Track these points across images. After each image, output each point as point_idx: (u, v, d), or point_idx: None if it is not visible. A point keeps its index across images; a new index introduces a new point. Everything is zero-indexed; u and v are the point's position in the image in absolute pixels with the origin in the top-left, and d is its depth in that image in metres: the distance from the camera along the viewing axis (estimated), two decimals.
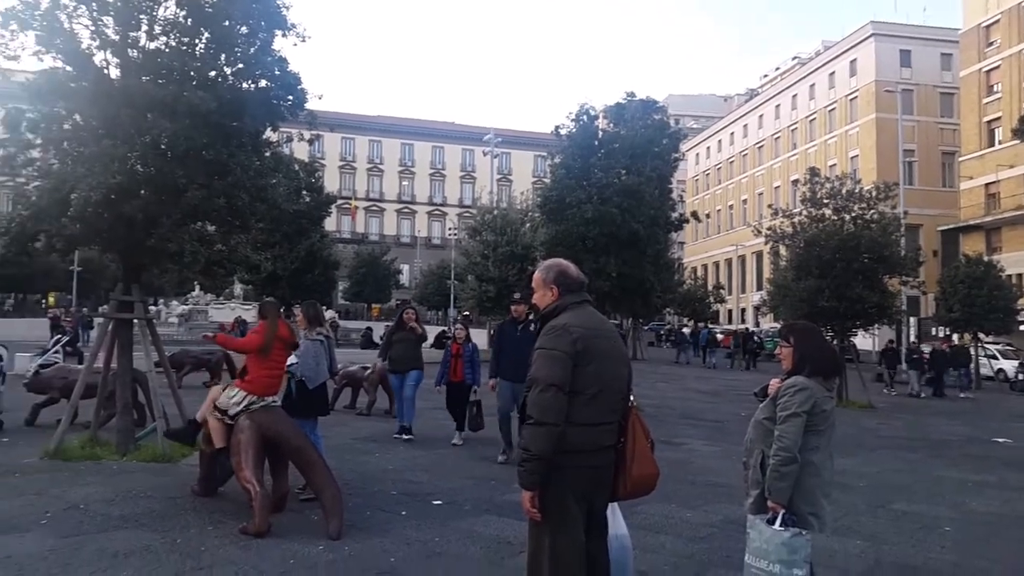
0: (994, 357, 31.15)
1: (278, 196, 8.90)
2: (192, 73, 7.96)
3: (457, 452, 9.41)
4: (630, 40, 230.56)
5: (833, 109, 56.33)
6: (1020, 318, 28.60)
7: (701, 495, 7.51)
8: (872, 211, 18.47)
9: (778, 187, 62.07)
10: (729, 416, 14.61)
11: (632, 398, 3.50)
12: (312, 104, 9.01)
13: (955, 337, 30.94)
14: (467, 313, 46.24)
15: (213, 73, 8.16)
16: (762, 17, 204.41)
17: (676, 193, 36.31)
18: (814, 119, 58.98)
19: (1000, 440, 13.40)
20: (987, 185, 43.40)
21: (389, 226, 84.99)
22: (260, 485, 5.66)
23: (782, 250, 20.67)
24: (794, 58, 78.95)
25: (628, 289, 29.27)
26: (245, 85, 8.43)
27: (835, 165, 50.19)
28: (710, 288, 56.17)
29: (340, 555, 5.19)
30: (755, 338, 36.51)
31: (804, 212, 19.22)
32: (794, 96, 62.37)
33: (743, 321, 62.17)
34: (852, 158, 52.33)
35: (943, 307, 28.21)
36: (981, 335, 27.74)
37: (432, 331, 10.60)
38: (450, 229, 71.48)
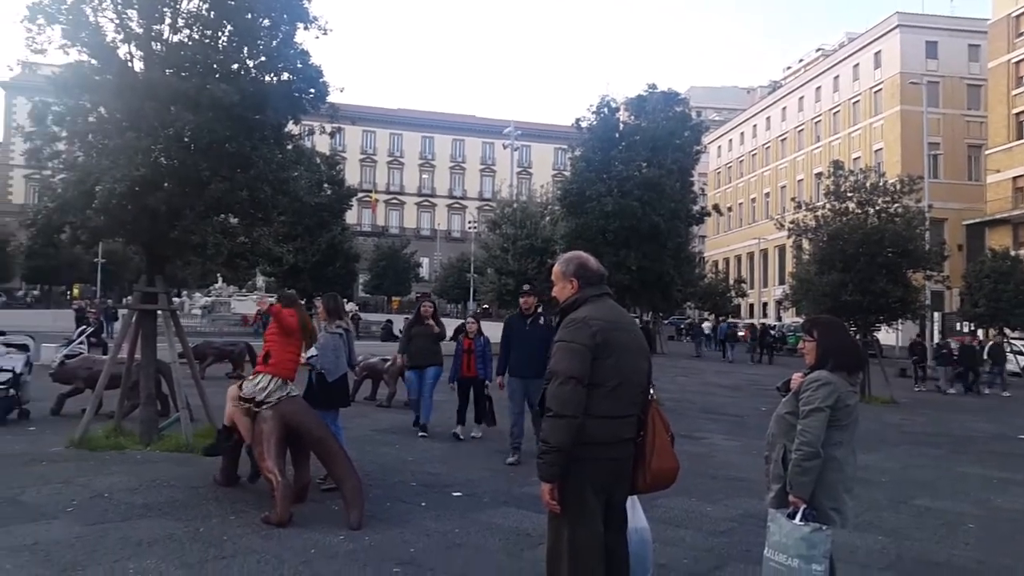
0: (1021, 353, 30.72)
1: (300, 189, 8.96)
2: (215, 66, 8.02)
3: (475, 444, 9.41)
4: (652, 32, 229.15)
5: (857, 101, 55.66)
6: None
7: (721, 489, 7.48)
8: (896, 205, 18.24)
9: (801, 180, 61.48)
10: (750, 411, 14.53)
11: (652, 392, 3.49)
12: (334, 97, 9.05)
13: (980, 333, 30.54)
14: (486, 306, 46.32)
15: (236, 66, 8.22)
16: (785, 8, 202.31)
17: (697, 186, 35.98)
18: (838, 112, 58.32)
19: None
20: (1015, 178, 42.70)
21: (409, 219, 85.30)
22: (282, 475, 5.71)
23: (805, 244, 20.49)
24: (818, 50, 78.02)
25: (648, 283, 29.14)
26: (267, 78, 8.48)
27: (859, 158, 49.63)
28: (732, 282, 55.79)
29: (361, 545, 5.22)
30: (771, 332, 36.28)
31: (827, 205, 19.02)
32: (818, 88, 61.69)
33: (765, 315, 61.75)
34: (876, 151, 51.70)
35: (968, 302, 27.83)
36: (1007, 331, 27.31)
37: (451, 325, 10.37)
38: (470, 222, 71.68)
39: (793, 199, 25.29)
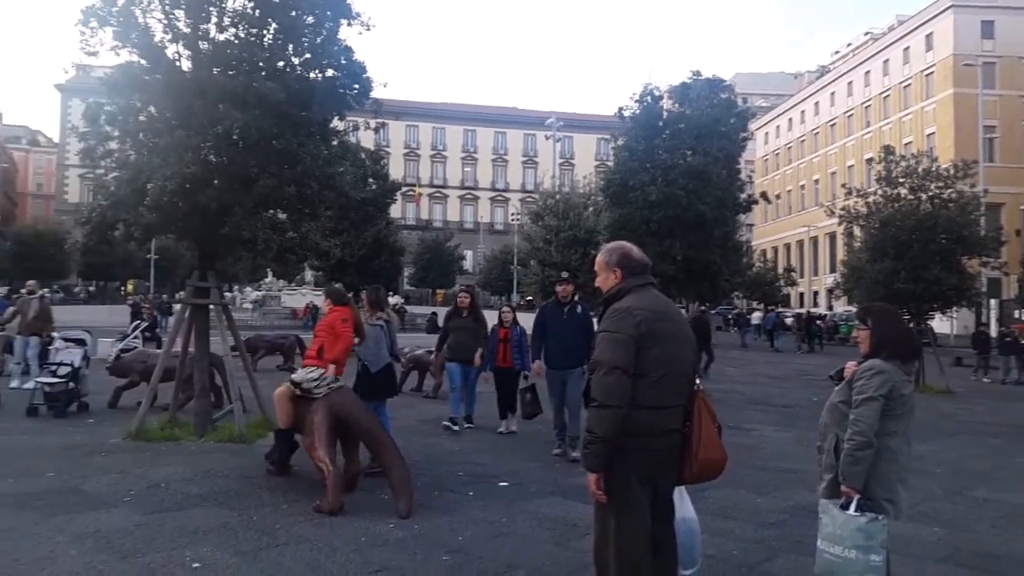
0: None
1: (346, 184, 9.05)
2: (261, 64, 8.16)
3: (521, 435, 9.37)
4: (695, 18, 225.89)
5: (908, 85, 54.12)
6: None
7: (771, 481, 7.38)
8: (950, 190, 17.72)
9: (851, 166, 60.06)
10: (800, 401, 14.30)
11: (698, 382, 3.46)
12: (377, 92, 9.14)
13: None
14: (530, 298, 46.31)
15: (281, 63, 8.35)
16: None
17: (744, 174, 35.43)
18: (888, 96, 56.79)
19: None
20: None
21: (452, 212, 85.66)
22: (332, 465, 5.81)
23: (856, 231, 20.04)
24: (866, 33, 75.99)
25: (694, 272, 28.81)
26: (312, 75, 8.59)
27: (910, 143, 48.26)
28: (781, 271, 54.84)
29: (410, 533, 5.29)
30: (818, 321, 35.72)
31: (879, 192, 18.57)
32: (867, 73, 60.12)
33: (815, 305, 60.59)
34: (928, 135, 50.23)
35: None
36: None
37: (492, 317, 9.96)
38: (513, 214, 71.65)
39: (843, 185, 24.74)
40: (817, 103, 68.28)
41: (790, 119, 73.74)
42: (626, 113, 30.76)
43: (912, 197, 17.79)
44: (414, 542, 5.10)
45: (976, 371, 22.84)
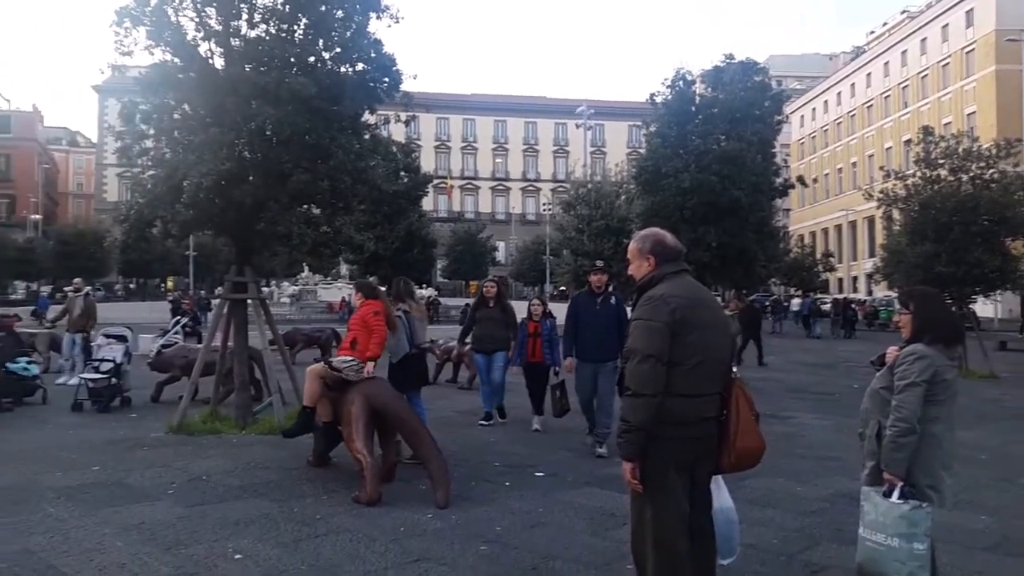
0: None
1: (378, 177, 9.10)
2: (292, 59, 8.22)
3: (556, 426, 9.11)
4: (727, 1, 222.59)
5: (947, 64, 52.81)
6: None
7: (811, 469, 7.28)
8: (992, 170, 17.26)
9: (889, 148, 58.84)
10: (840, 389, 14.08)
11: (736, 369, 3.42)
12: (407, 85, 9.17)
13: None
14: (563, 288, 46.20)
15: (312, 58, 8.41)
16: None
17: (780, 158, 34.82)
18: (926, 75, 55.48)
19: None
20: None
21: (484, 203, 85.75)
22: (370, 455, 5.86)
23: (895, 214, 19.63)
24: (903, 12, 74.13)
25: (729, 259, 28.44)
26: (343, 69, 8.64)
27: (950, 123, 47.08)
28: (819, 256, 54.01)
29: (448, 523, 5.32)
30: (852, 307, 35.28)
31: (918, 173, 18.15)
32: (904, 52, 58.78)
33: (855, 290, 59.59)
34: (969, 115, 48.98)
35: None
36: None
37: (521, 308, 9.72)
38: (544, 204, 71.50)
39: (881, 168, 24.21)
40: (853, 84, 66.96)
41: (826, 101, 72.43)
42: (658, 99, 30.39)
43: (952, 178, 17.36)
44: (452, 532, 5.13)
45: None
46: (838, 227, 66.47)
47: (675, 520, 3.19)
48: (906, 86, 58.16)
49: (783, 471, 6.95)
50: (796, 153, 76.13)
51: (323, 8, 8.21)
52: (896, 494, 3.47)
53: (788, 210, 72.02)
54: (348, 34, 8.46)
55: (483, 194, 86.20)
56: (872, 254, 51.10)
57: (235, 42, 8.30)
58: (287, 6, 8.18)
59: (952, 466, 3.68)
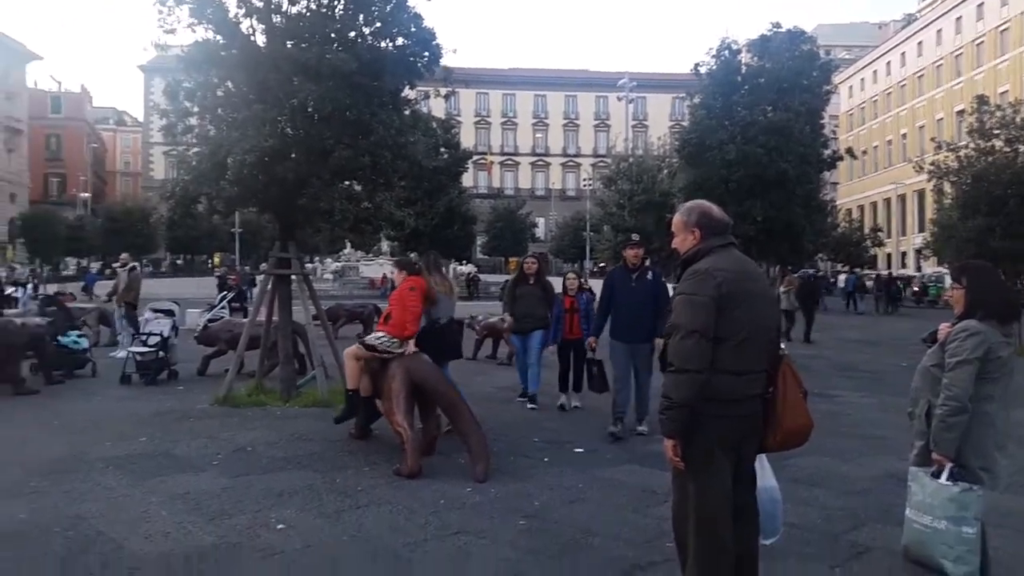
0: None
1: (418, 153, 9.09)
2: (332, 35, 8.22)
3: (595, 403, 8.61)
4: None
5: (1005, 29, 50.77)
6: None
7: (856, 448, 7.14)
8: None
9: (941, 119, 56.96)
10: (887, 367, 13.78)
11: (783, 346, 3.34)
12: (447, 59, 9.10)
13: None
14: (603, 264, 45.95)
15: (352, 34, 8.39)
16: None
17: (828, 129, 33.93)
18: (982, 42, 53.43)
19: None
20: None
21: (524, 179, 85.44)
22: (411, 429, 5.92)
23: (947, 187, 19.06)
24: None
25: (775, 233, 27.89)
26: (383, 44, 8.60)
27: (1006, 92, 45.36)
28: (867, 231, 52.77)
29: (487, 497, 5.34)
30: (897, 282, 34.61)
31: (971, 145, 17.57)
32: (958, 19, 56.62)
33: (903, 265, 58.20)
34: None
35: None
36: None
37: (558, 285, 9.29)
38: (585, 180, 71.00)
39: (933, 139, 23.50)
40: (904, 53, 64.83)
41: (875, 71, 70.32)
42: (702, 69, 29.71)
43: (1008, 149, 16.78)
44: (491, 506, 5.15)
45: None
46: (887, 201, 64.81)
47: (718, 499, 3.13)
48: (960, 54, 56.12)
49: (828, 450, 6.82)
50: (844, 124, 74.22)
51: None
52: (945, 475, 3.38)
53: (835, 183, 70.37)
54: (388, 8, 8.40)
55: (523, 170, 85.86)
56: (922, 229, 49.73)
57: (276, 18, 8.32)
58: None
59: (1007, 446, 3.57)
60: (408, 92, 9.28)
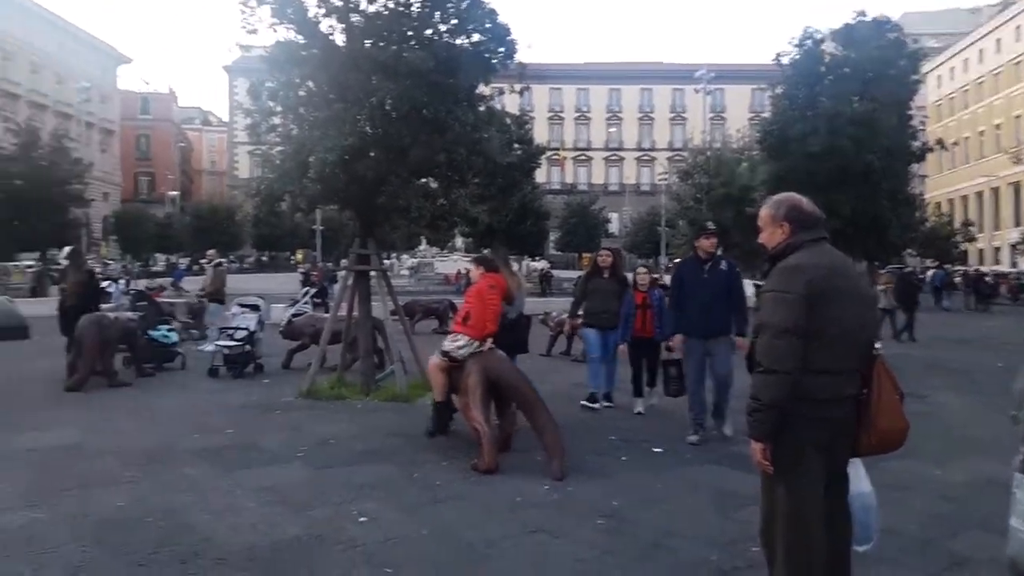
0: None
1: (493, 149, 9.10)
2: (409, 33, 8.30)
3: (672, 406, 8.21)
4: None
5: None
6: None
7: (951, 451, 6.80)
8: None
9: None
10: (982, 366, 13.11)
11: (878, 345, 3.19)
12: (522, 54, 9.08)
13: None
14: (678, 260, 45.24)
15: (429, 31, 8.46)
16: None
17: (916, 120, 32.49)
18: None
19: None
20: None
21: (597, 175, 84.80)
22: (487, 425, 5.92)
23: None
24: None
25: (862, 228, 26.87)
26: (459, 41, 8.64)
27: None
28: (957, 225, 50.43)
29: (564, 495, 5.30)
30: (985, 279, 32.98)
31: None
32: None
33: (997, 262, 55.37)
34: None
35: None
36: None
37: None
38: (659, 174, 70.00)
39: None
40: (999, 40, 61.49)
41: (966, 59, 66.99)
42: (784, 59, 28.88)
43: None
44: (569, 505, 5.11)
45: None
46: (979, 194, 61.74)
47: (809, 504, 3.01)
48: None
49: (921, 453, 6.49)
50: (934, 115, 71.00)
51: None
52: None
53: (924, 176, 67.49)
54: (464, 5, 8.44)
55: (596, 164, 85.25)
56: (1017, 223, 47.32)
57: (355, 18, 8.45)
58: None
59: None
60: (483, 88, 9.31)
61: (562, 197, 67.90)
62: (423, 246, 46.53)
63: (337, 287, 15.02)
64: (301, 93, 8.79)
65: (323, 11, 8.42)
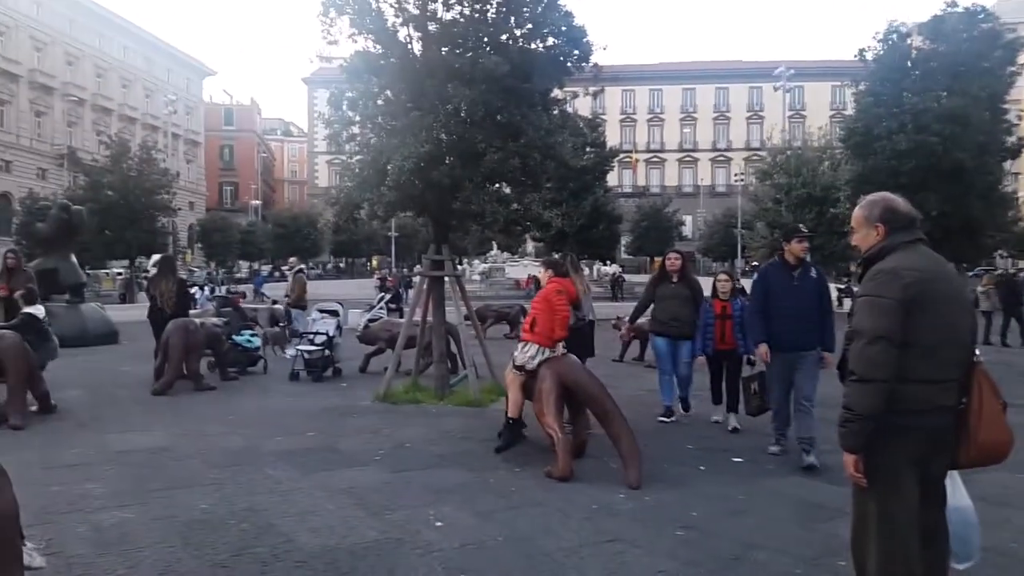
0: None
1: (566, 153, 9.07)
2: (485, 39, 8.34)
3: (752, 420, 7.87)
4: None
5: None
6: None
7: None
8: None
9: None
10: None
11: (978, 352, 3.01)
12: (596, 56, 9.02)
13: None
14: (756, 263, 44.16)
15: (504, 36, 8.49)
16: None
17: (1013, 115, 30.82)
18: None
19: None
20: None
21: (670, 177, 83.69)
22: (561, 431, 5.87)
23: None
24: None
25: (951, 229, 25.67)
26: (534, 45, 8.65)
27: None
28: None
29: (641, 504, 5.21)
30: None
31: None
32: None
33: None
34: None
35: None
36: None
37: (706, 286, 8.40)
38: (736, 175, 68.59)
39: None
40: None
41: None
42: (868, 55, 27.87)
43: None
44: (646, 514, 5.01)
45: None
46: None
47: (904, 519, 2.86)
48: None
49: (1020, 466, 6.15)
50: None
51: None
52: None
53: (1017, 173, 64.11)
54: (539, 9, 8.44)
55: (669, 166, 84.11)
56: None
57: (431, 26, 8.55)
58: None
59: None
60: (556, 92, 9.28)
61: (634, 200, 67.26)
62: (494, 251, 46.72)
63: (412, 292, 15.22)
64: (379, 102, 8.93)
65: (400, 20, 8.55)
